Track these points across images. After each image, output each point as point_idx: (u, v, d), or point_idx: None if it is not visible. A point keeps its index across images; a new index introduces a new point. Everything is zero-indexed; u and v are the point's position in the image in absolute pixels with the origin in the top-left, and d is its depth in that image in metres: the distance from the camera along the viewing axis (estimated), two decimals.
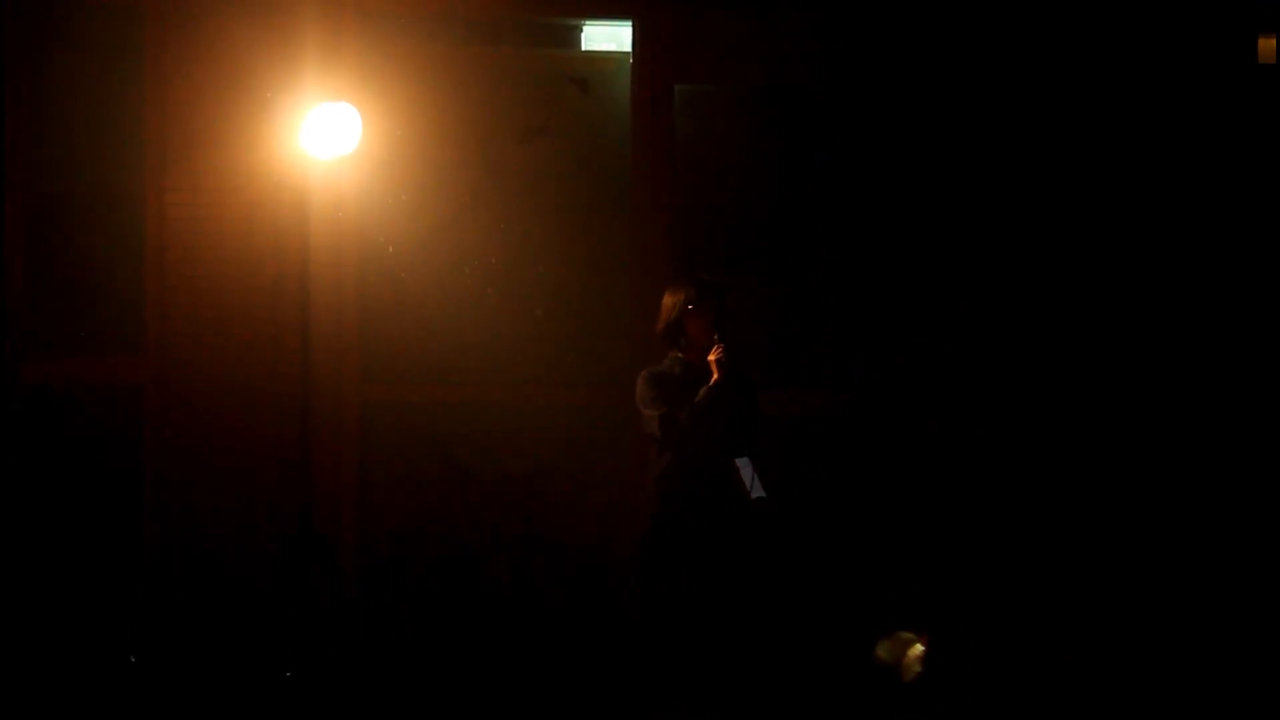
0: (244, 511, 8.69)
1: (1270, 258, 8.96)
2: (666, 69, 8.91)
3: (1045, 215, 8.98)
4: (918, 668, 7.94)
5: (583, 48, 9.04)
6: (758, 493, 7.70)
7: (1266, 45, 8.94)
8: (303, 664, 8.07)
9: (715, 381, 7.72)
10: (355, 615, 8.44)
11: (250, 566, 8.64)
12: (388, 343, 8.90)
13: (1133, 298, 8.96)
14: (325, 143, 8.13)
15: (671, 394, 7.76)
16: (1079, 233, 8.98)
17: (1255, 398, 8.93)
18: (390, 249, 8.88)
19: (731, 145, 9.02)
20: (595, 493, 8.94)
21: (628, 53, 8.93)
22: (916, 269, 8.98)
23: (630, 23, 8.94)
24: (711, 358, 7.74)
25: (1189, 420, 8.94)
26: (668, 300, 7.89)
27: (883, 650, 8.08)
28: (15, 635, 8.59)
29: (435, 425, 8.91)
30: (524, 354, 8.93)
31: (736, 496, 7.82)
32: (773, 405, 8.23)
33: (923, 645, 7.96)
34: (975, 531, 8.85)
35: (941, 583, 8.79)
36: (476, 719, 8.68)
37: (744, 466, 7.73)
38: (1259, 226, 8.97)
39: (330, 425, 8.75)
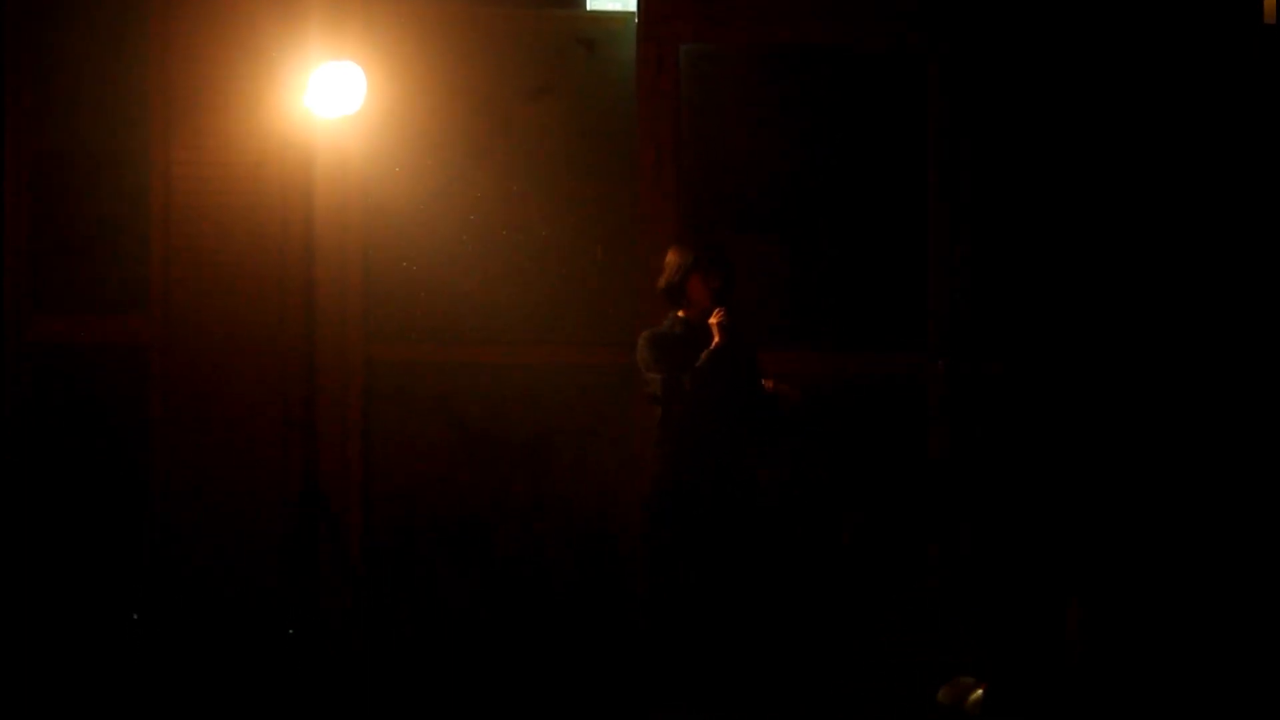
0: (249, 471, 8.69)
1: None
2: (671, 28, 8.87)
3: (1045, 172, 8.94)
4: (978, 713, 7.91)
5: (588, 7, 9.01)
6: None
7: (1270, 4, 8.87)
8: (306, 623, 8.08)
9: (716, 345, 7.72)
10: (359, 576, 8.42)
11: (256, 526, 8.64)
12: (392, 302, 8.89)
13: (1141, 262, 8.91)
14: (330, 102, 8.12)
15: (672, 355, 7.77)
16: (1083, 190, 8.93)
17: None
18: (395, 208, 8.86)
19: (738, 105, 8.98)
20: (602, 454, 8.92)
21: (633, 12, 8.90)
22: (925, 228, 8.94)
23: None
24: (713, 321, 7.75)
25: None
26: (671, 259, 7.90)
27: (943, 695, 8.06)
28: (19, 596, 8.63)
29: (440, 385, 8.91)
30: (529, 313, 8.91)
31: (739, 461, 7.82)
32: (779, 365, 8.22)
33: (982, 690, 7.94)
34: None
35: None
36: (482, 684, 8.71)
37: None
38: (1269, 192, 8.90)
39: (335, 384, 8.75)
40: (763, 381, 7.91)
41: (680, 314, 7.87)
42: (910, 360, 8.90)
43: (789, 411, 7.92)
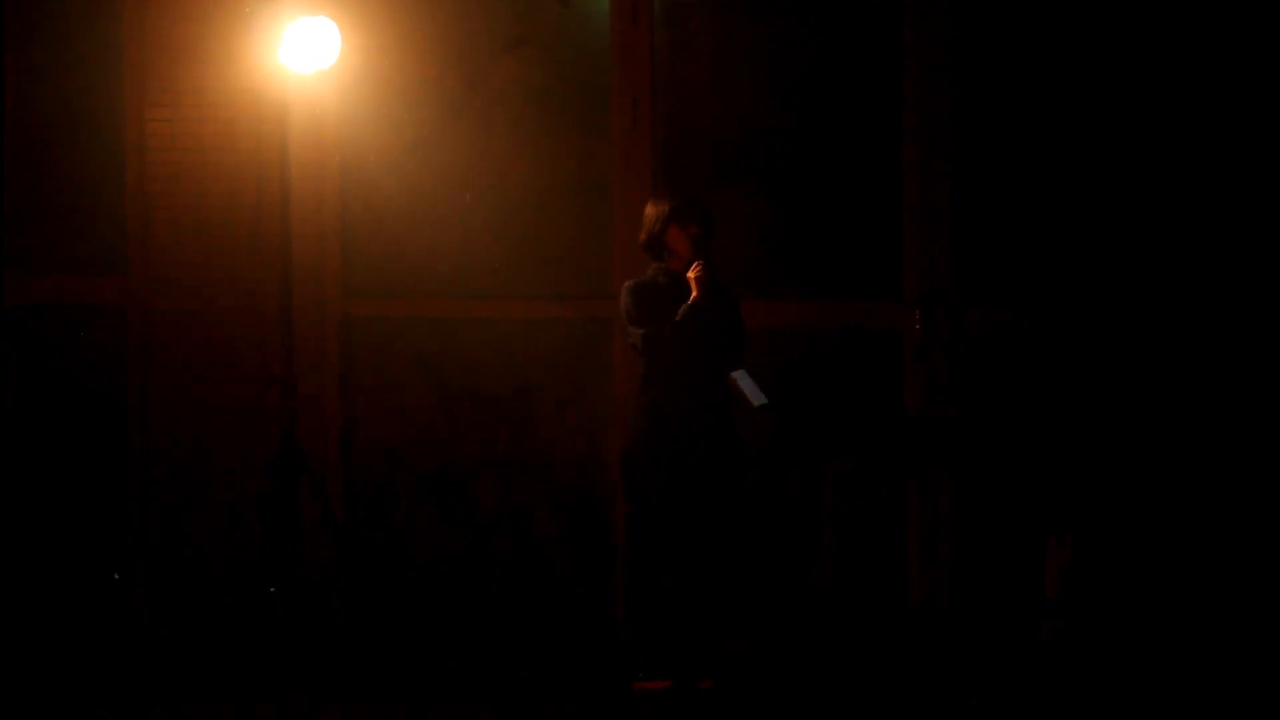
0: (229, 429, 8.68)
1: None
2: None
3: (1021, 115, 8.95)
4: None
5: None
6: (759, 400, 7.70)
7: None
8: (287, 579, 8.07)
9: (694, 299, 7.72)
10: (340, 531, 8.42)
11: (236, 483, 8.64)
12: (370, 258, 8.87)
13: (1120, 205, 8.91)
14: (305, 57, 8.07)
15: (656, 307, 7.76)
16: (1058, 134, 8.94)
17: None
18: (371, 164, 8.84)
19: (713, 56, 8.96)
20: (583, 408, 8.92)
21: None
22: (900, 176, 8.93)
23: None
24: (691, 275, 7.74)
25: None
26: (649, 212, 7.88)
27: None
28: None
29: (419, 340, 8.89)
30: (508, 267, 8.89)
31: (721, 411, 7.82)
32: (757, 315, 8.22)
33: None
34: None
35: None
36: (463, 637, 8.72)
37: (741, 378, 7.73)
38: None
39: (313, 340, 8.73)
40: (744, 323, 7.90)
41: (663, 265, 7.86)
42: (886, 308, 8.90)
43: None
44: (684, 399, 7.76)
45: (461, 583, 8.85)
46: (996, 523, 8.73)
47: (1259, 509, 8.48)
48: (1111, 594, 7.93)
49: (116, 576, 8.69)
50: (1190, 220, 8.82)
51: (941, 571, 8.81)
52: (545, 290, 8.90)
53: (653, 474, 7.77)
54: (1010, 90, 8.94)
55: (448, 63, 8.89)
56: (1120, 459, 8.53)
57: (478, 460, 8.91)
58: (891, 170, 8.94)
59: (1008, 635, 8.33)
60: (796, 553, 8.76)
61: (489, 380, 8.91)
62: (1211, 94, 8.81)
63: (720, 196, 8.64)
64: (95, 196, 8.80)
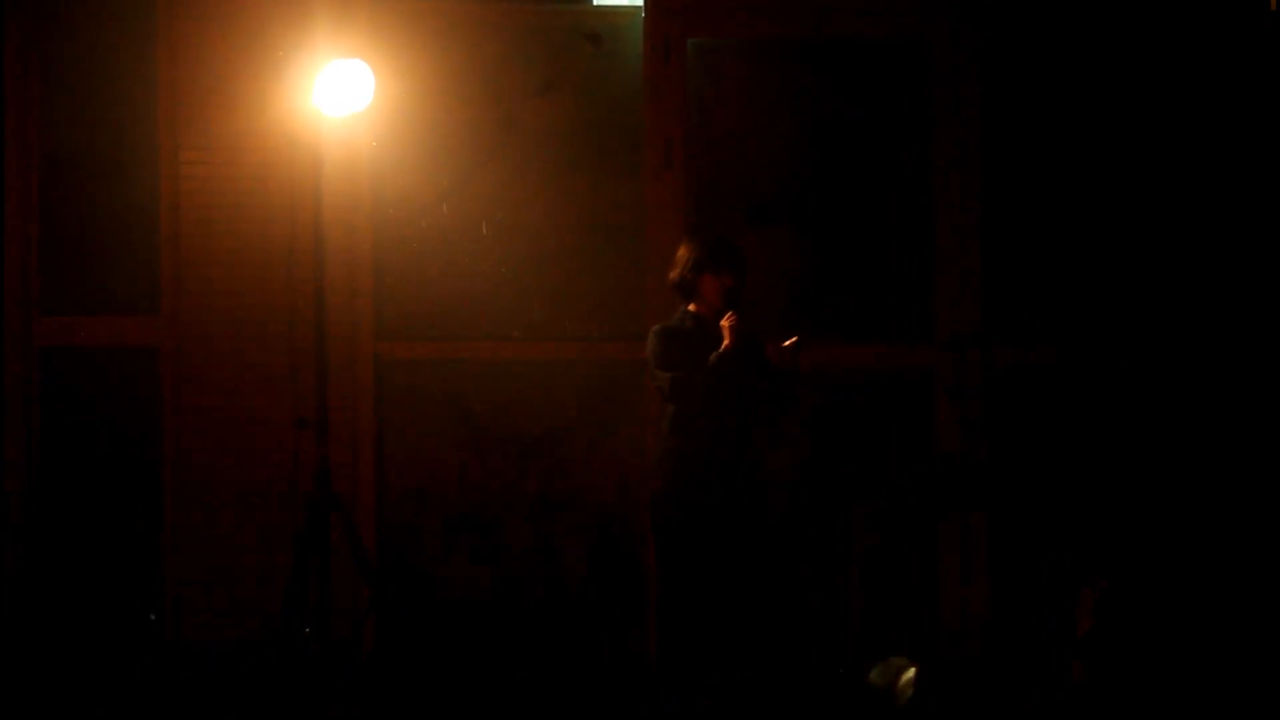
0: (262, 470, 8.70)
1: None
2: (678, 22, 8.88)
3: (1053, 158, 8.97)
4: (910, 692, 7.94)
5: (595, 2, 9.01)
6: None
7: None
8: (320, 621, 8.09)
9: (727, 347, 7.70)
10: (372, 571, 8.43)
11: (269, 524, 8.66)
12: (402, 301, 8.89)
13: (1146, 246, 8.92)
14: (338, 100, 8.10)
15: (684, 352, 7.76)
16: (1088, 179, 8.96)
17: None
18: (403, 206, 8.87)
19: (745, 97, 8.99)
20: (613, 450, 8.93)
21: (640, 6, 8.90)
22: (933, 218, 8.95)
23: None
24: (724, 324, 7.72)
25: None
26: (682, 254, 7.88)
27: (875, 675, 8.07)
28: (38, 600, 8.64)
29: (450, 382, 8.91)
30: (540, 310, 8.91)
31: (749, 456, 7.84)
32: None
33: (914, 670, 7.95)
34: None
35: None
36: (494, 678, 8.72)
37: None
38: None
39: (346, 383, 8.75)
40: (769, 357, 7.89)
41: (691, 308, 7.87)
42: (918, 350, 8.92)
43: (794, 379, 7.89)
44: (712, 444, 7.75)
45: (492, 622, 8.85)
46: (1028, 563, 8.72)
47: None
48: (1143, 635, 7.92)
49: (153, 617, 8.70)
50: (1227, 261, 8.83)
51: (972, 611, 8.80)
52: (577, 332, 8.92)
53: (682, 517, 7.76)
54: (1041, 130, 8.96)
55: (481, 106, 8.93)
56: (1152, 500, 8.52)
57: (508, 501, 8.92)
58: (923, 212, 8.95)
59: (1040, 676, 8.31)
60: (826, 594, 8.75)
61: (520, 421, 8.93)
62: (1245, 131, 8.84)
63: (752, 238, 8.68)
64: (128, 239, 8.83)
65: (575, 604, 8.90)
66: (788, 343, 7.73)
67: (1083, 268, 8.93)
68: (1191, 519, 8.47)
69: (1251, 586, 8.30)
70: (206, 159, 8.70)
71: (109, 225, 8.84)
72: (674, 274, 7.88)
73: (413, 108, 8.80)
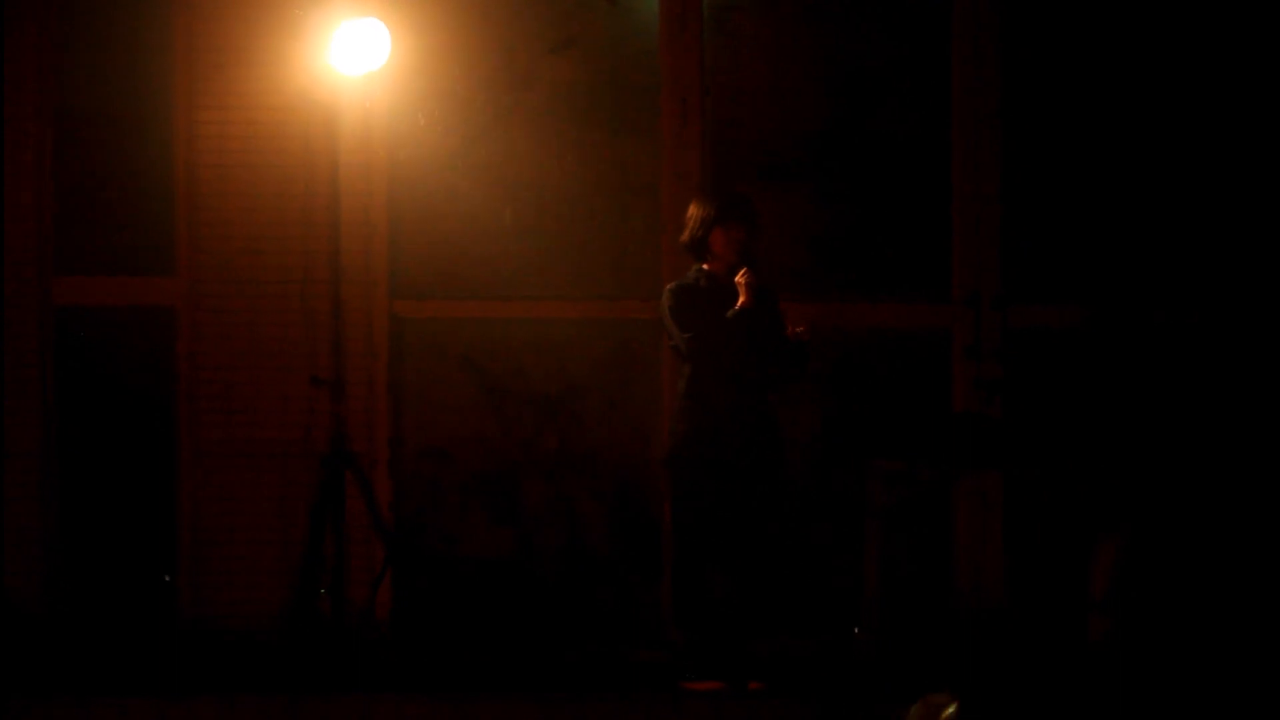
0: (278, 429, 8.71)
1: None
2: None
3: (1074, 114, 8.94)
4: None
5: None
6: None
7: None
8: (336, 581, 8.11)
9: (742, 304, 7.70)
10: (388, 531, 8.44)
11: (284, 483, 8.68)
12: (418, 259, 8.88)
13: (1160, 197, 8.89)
14: (354, 59, 8.10)
15: (698, 310, 7.76)
16: (1109, 132, 8.93)
17: None
18: (419, 165, 8.85)
19: (761, 55, 8.96)
20: (631, 408, 8.92)
21: None
22: (949, 176, 8.92)
23: None
24: (739, 280, 7.72)
25: None
26: (692, 212, 7.87)
27: (914, 714, 8.03)
28: (52, 562, 8.67)
29: (467, 341, 8.91)
30: (556, 269, 8.90)
31: (765, 413, 7.84)
32: (804, 315, 8.19)
33: (955, 706, 7.92)
34: None
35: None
36: (510, 638, 8.74)
37: None
38: None
39: (361, 340, 8.75)
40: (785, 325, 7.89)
41: (705, 266, 7.86)
42: (935, 308, 8.90)
43: (805, 351, 7.88)
44: (729, 402, 7.76)
45: (509, 580, 8.86)
46: (1044, 521, 8.71)
47: None
48: (1160, 594, 7.91)
49: (167, 579, 8.73)
50: (1248, 217, 8.80)
51: (988, 570, 8.80)
52: (594, 291, 8.90)
53: (698, 475, 7.78)
54: (1061, 84, 8.93)
55: (497, 64, 8.90)
56: (1169, 458, 8.49)
57: (525, 460, 8.93)
58: (940, 170, 8.93)
59: (1056, 635, 8.31)
60: (843, 551, 8.75)
61: (537, 381, 8.92)
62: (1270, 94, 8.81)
63: (769, 195, 8.66)
64: (144, 198, 8.82)
65: (592, 562, 8.90)
66: (799, 329, 7.74)
67: (1105, 227, 8.89)
68: (1219, 477, 8.45)
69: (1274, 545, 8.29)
70: (221, 118, 8.69)
71: (126, 183, 8.84)
72: (685, 234, 7.88)
73: (428, 65, 8.76)
